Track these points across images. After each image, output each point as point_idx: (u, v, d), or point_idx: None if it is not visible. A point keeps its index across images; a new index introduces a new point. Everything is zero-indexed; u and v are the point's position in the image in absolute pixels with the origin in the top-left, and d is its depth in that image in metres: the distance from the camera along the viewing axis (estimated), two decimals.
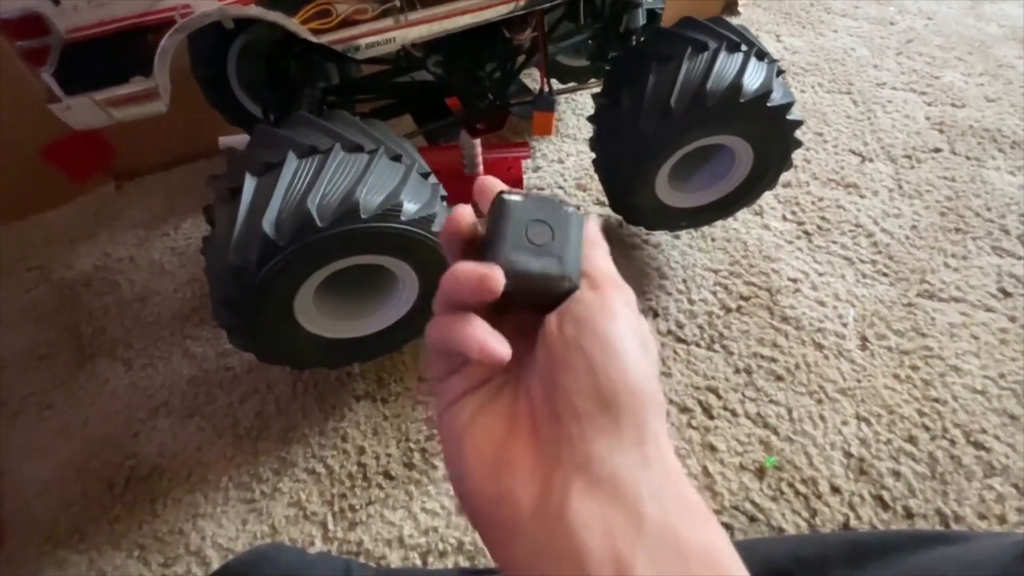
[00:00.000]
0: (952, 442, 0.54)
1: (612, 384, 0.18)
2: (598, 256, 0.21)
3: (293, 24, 0.40)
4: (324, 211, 0.39)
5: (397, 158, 0.46)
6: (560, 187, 0.83)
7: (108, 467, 0.56)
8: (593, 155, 0.65)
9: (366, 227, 0.41)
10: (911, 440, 0.54)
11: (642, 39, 0.60)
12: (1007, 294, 0.66)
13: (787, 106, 0.53)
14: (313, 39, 0.42)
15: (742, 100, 0.51)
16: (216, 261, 0.41)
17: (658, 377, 0.19)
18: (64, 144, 0.81)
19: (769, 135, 0.56)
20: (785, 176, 0.80)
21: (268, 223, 0.38)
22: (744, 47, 0.53)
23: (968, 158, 0.84)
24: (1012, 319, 0.64)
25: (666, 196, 0.62)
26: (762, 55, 0.54)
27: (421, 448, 0.56)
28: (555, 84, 0.92)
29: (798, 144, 0.58)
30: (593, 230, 0.22)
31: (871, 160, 0.84)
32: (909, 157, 0.84)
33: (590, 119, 0.65)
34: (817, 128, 0.89)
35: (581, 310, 0.19)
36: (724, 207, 0.65)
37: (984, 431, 0.54)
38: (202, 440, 0.57)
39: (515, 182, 0.83)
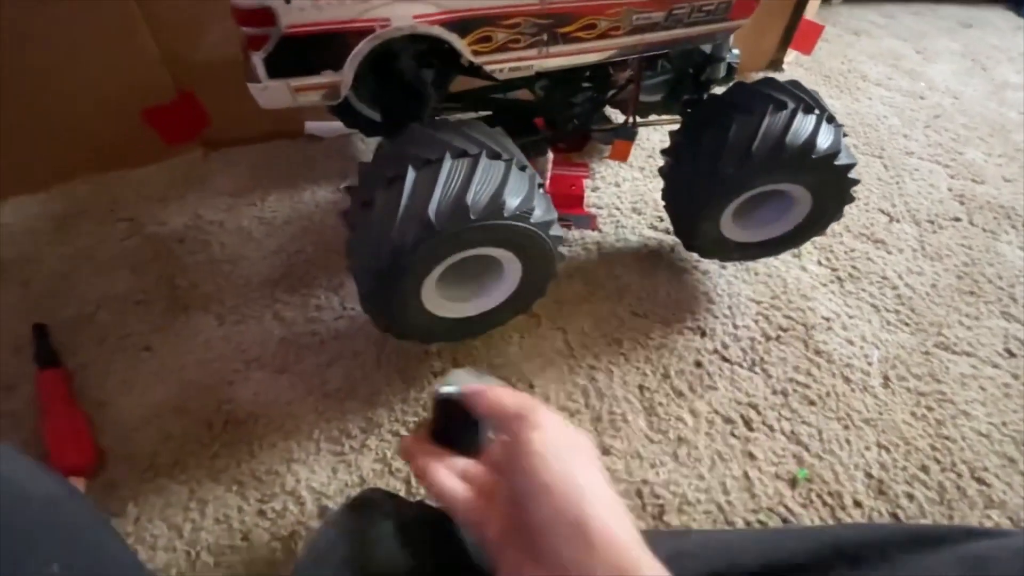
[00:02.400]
0: (959, 475, 0.61)
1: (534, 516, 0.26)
2: (498, 398, 0.31)
3: (463, 46, 0.47)
4: (476, 206, 0.46)
5: (523, 168, 0.53)
6: (617, 208, 0.90)
7: (205, 409, 0.61)
8: (659, 184, 0.73)
9: (502, 224, 0.48)
10: (924, 469, 0.61)
11: (726, 89, 0.67)
12: (1012, 354, 0.74)
13: (850, 166, 0.61)
14: (474, 60, 0.49)
15: (814, 156, 0.59)
16: (374, 238, 0.47)
17: (589, 477, 0.27)
18: (166, 109, 0.87)
19: (829, 188, 0.64)
20: None
21: (431, 209, 0.45)
22: (817, 111, 0.61)
23: (984, 230, 0.93)
24: (1015, 376, 0.72)
25: (727, 230, 0.69)
26: (831, 119, 0.62)
27: None
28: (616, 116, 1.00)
29: (851, 199, 0.66)
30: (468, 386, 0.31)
31: (898, 221, 0.93)
32: (932, 222, 0.93)
33: (665, 152, 0.73)
34: None
35: (503, 454, 0.28)
36: (774, 246, 0.72)
37: (986, 469, 0.62)
38: (293, 395, 0.63)
39: (577, 199, 0.90)
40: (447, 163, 0.47)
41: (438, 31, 0.46)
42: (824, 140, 0.59)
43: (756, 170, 0.60)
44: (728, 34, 0.60)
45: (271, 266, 0.76)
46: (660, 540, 0.28)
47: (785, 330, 0.74)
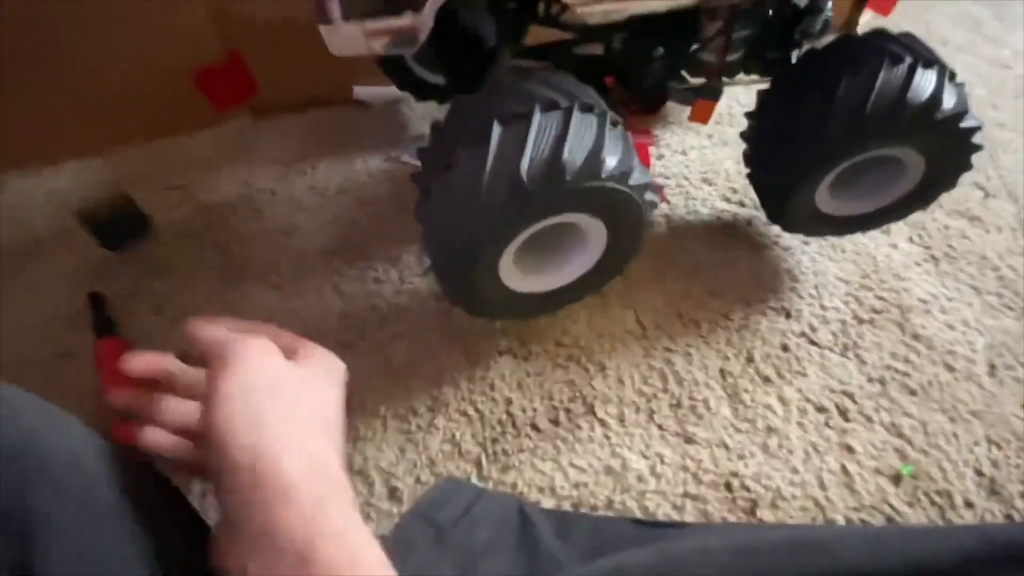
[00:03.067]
0: None
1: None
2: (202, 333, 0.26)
3: None
4: (571, 166, 0.41)
5: (616, 124, 0.47)
6: (686, 178, 0.84)
7: None
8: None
9: (599, 186, 0.43)
10: None
11: (827, 43, 0.61)
12: None
13: (975, 129, 0.55)
14: (568, 2, 0.44)
15: (938, 117, 0.52)
16: (456, 202, 0.43)
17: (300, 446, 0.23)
18: (217, 72, 0.84)
19: (949, 154, 0.57)
20: None
21: (523, 168, 0.40)
22: (938, 66, 0.54)
23: None
24: None
25: (822, 202, 0.63)
26: (953, 76, 0.55)
27: (566, 408, 0.58)
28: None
29: (969, 167, 0.59)
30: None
31: (995, 196, 0.85)
32: None
33: (751, 115, 0.66)
34: None
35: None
36: (872, 220, 0.66)
37: None
38: (357, 371, 0.59)
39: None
40: (537, 117, 0.42)
41: None
42: (950, 99, 0.53)
43: (870, 132, 0.54)
44: None
45: (327, 237, 0.73)
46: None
47: (879, 312, 0.68)
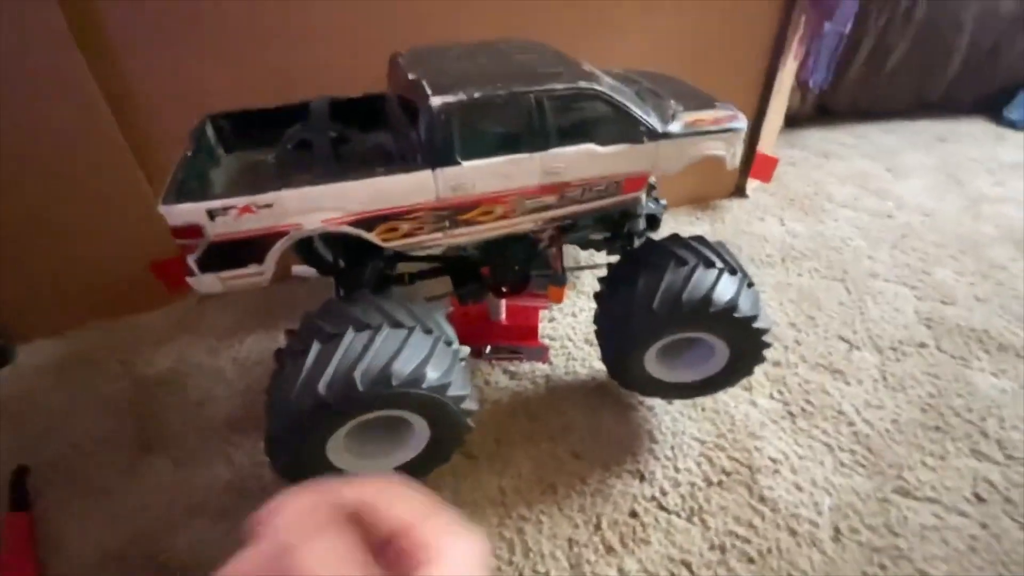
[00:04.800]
0: None
1: None
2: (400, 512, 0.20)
3: (371, 237, 0.56)
4: (365, 378, 0.51)
5: (429, 332, 0.58)
6: (570, 339, 0.94)
7: (142, 558, 0.64)
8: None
9: (396, 392, 0.53)
10: None
11: (639, 246, 0.73)
12: (981, 500, 0.69)
13: (753, 317, 0.64)
14: (382, 245, 0.57)
15: (712, 310, 0.62)
16: (278, 402, 0.53)
17: None
18: (171, 263, 1.00)
19: (740, 337, 0.66)
20: (775, 355, 0.89)
21: (323, 385, 0.50)
22: (719, 264, 0.65)
23: (953, 357, 0.90)
24: (983, 526, 0.66)
25: (655, 372, 0.71)
26: (734, 271, 0.66)
27: None
28: (575, 251, 1.08)
29: (767, 345, 0.68)
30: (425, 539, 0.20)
31: (859, 348, 0.92)
32: (895, 349, 0.92)
33: (595, 296, 0.77)
34: (810, 312, 0.99)
35: None
36: (707, 387, 0.73)
37: None
38: (228, 544, 0.65)
39: (531, 330, 0.95)
40: (348, 336, 0.53)
41: (346, 229, 0.54)
42: (723, 294, 0.63)
43: (662, 323, 0.64)
44: (626, 205, 0.67)
45: (234, 406, 0.82)
46: None
47: (728, 474, 0.72)
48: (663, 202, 0.86)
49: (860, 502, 0.69)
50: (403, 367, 0.53)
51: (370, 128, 0.73)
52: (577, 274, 1.07)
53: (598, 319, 0.75)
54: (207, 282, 0.54)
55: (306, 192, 0.51)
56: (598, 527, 0.66)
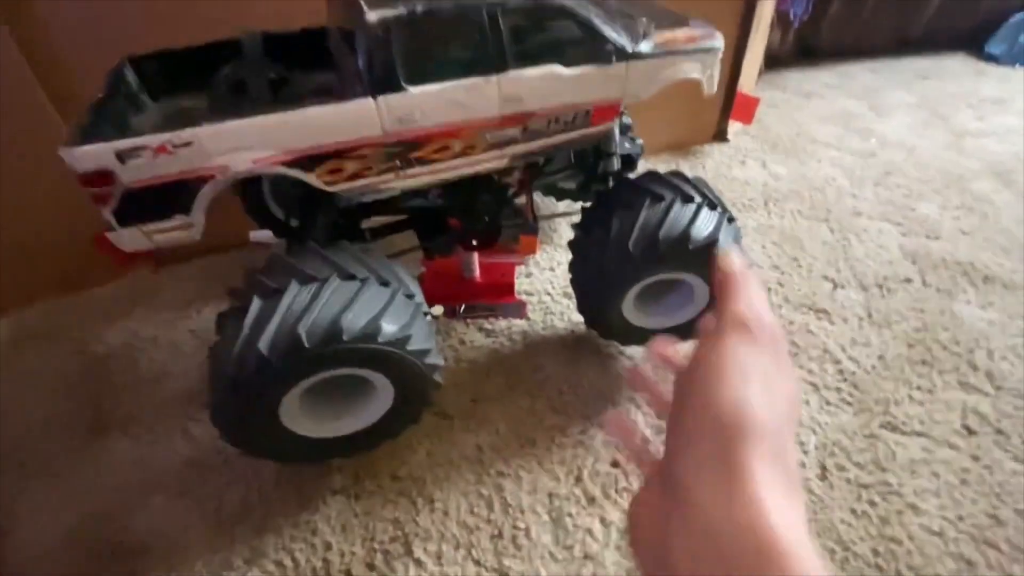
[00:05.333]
0: None
1: (702, 412, 0.19)
2: (737, 298, 0.22)
3: (311, 179, 0.50)
4: (312, 334, 0.46)
5: (386, 283, 0.53)
6: (548, 293, 0.90)
7: (99, 540, 0.60)
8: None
9: (349, 348, 0.48)
10: None
11: (611, 186, 0.68)
12: (971, 432, 0.68)
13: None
14: (326, 188, 0.51)
15: (690, 246, 0.58)
16: (219, 367, 0.48)
17: (774, 411, 0.19)
18: None
19: None
20: None
21: (265, 343, 0.45)
22: (697, 198, 0.61)
23: (939, 290, 0.88)
24: (975, 458, 0.65)
25: (633, 318, 0.68)
26: (713, 205, 0.62)
27: (385, 550, 0.59)
28: (550, 202, 1.03)
29: None
30: (735, 266, 0.23)
31: (843, 287, 0.89)
32: (880, 286, 0.89)
33: (569, 244, 0.73)
34: (793, 253, 0.96)
35: (702, 351, 0.21)
36: (688, 332, 0.70)
37: None
38: (187, 522, 0.61)
39: (507, 287, 0.91)
40: (291, 290, 0.48)
41: (281, 170, 0.49)
42: (701, 229, 0.59)
43: (638, 264, 0.60)
44: (597, 138, 0.62)
45: (192, 380, 0.77)
46: None
47: None
48: (639, 141, 0.81)
49: (847, 439, 0.67)
50: (355, 321, 0.48)
51: (313, 68, 0.66)
52: (554, 226, 1.02)
53: (573, 267, 0.71)
54: (129, 237, 0.49)
55: (229, 127, 0.45)
56: (579, 479, 0.64)
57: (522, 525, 0.60)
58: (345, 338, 0.47)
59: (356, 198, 0.57)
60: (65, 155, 0.43)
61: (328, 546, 0.59)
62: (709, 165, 1.21)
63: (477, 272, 0.91)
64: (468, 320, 0.86)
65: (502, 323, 0.85)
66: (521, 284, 0.92)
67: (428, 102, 0.49)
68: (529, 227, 0.74)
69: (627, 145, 0.80)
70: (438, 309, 0.89)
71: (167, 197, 0.48)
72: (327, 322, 0.47)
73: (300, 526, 0.60)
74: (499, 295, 0.90)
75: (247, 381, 0.46)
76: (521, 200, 0.73)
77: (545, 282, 0.92)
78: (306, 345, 0.46)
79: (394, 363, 0.52)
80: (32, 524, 0.62)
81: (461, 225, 0.79)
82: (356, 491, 0.63)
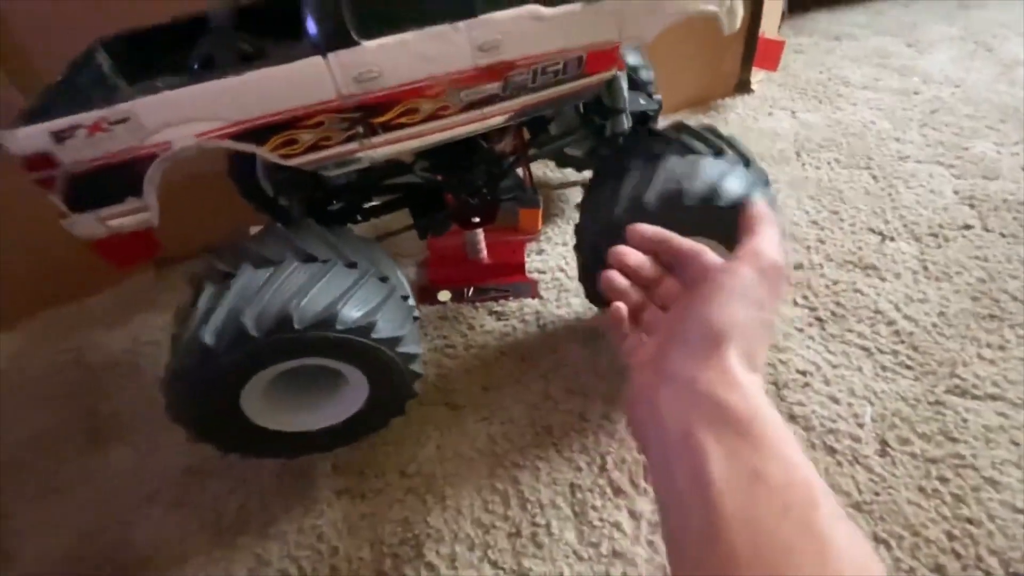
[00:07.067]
0: (987, 574, 0.46)
1: (698, 321, 0.24)
2: (759, 238, 0.26)
3: (263, 152, 0.44)
4: (260, 322, 0.41)
5: (352, 266, 0.48)
6: (562, 270, 0.83)
7: (100, 556, 0.57)
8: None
9: (304, 337, 0.43)
10: (938, 570, 0.47)
11: (631, 136, 0.61)
12: None
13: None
14: (283, 163, 0.46)
15: (721, 203, 0.50)
16: (171, 359, 0.44)
17: (754, 328, 0.24)
18: (113, 238, 0.90)
19: None
20: (796, 257, 0.77)
21: (209, 333, 0.40)
22: (730, 154, 0.53)
23: (1003, 235, 0.78)
24: None
25: None
26: (748, 163, 0.54)
27: (394, 553, 0.54)
28: (570, 172, 0.95)
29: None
30: (762, 210, 0.27)
31: (892, 239, 0.80)
32: (936, 236, 0.79)
33: (577, 206, 0.66)
34: (833, 206, 0.86)
35: (713, 275, 0.25)
36: None
37: None
38: (186, 532, 0.58)
39: (518, 266, 0.84)
40: (243, 275, 0.43)
41: (228, 144, 0.43)
42: (735, 186, 0.51)
43: (655, 221, 0.52)
44: (594, 91, 0.54)
45: None
46: None
47: None
48: (658, 97, 0.72)
49: (909, 408, 0.59)
50: (309, 307, 0.43)
51: (289, 38, 0.61)
52: (566, 197, 0.95)
53: (578, 229, 0.64)
54: (84, 224, 0.44)
55: (165, 99, 0.40)
56: (603, 468, 0.58)
57: (542, 521, 0.54)
58: (297, 326, 0.42)
59: (331, 171, 0.51)
60: (2, 138, 0.39)
61: (335, 551, 0.54)
62: (733, 119, 1.11)
63: (484, 252, 0.85)
64: (477, 303, 0.80)
65: (513, 304, 0.79)
66: (532, 262, 0.85)
67: (387, 57, 0.43)
68: (529, 200, 0.67)
69: (641, 102, 0.72)
70: (445, 294, 0.83)
71: (115, 180, 0.43)
72: (276, 308, 0.42)
73: (305, 531, 0.56)
74: (509, 275, 0.83)
75: (193, 374, 0.42)
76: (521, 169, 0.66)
77: (559, 257, 0.85)
78: (253, 334, 0.41)
79: (359, 352, 0.47)
80: (36, 544, 0.60)
81: (455, 201, 0.72)
82: (362, 490, 0.59)
